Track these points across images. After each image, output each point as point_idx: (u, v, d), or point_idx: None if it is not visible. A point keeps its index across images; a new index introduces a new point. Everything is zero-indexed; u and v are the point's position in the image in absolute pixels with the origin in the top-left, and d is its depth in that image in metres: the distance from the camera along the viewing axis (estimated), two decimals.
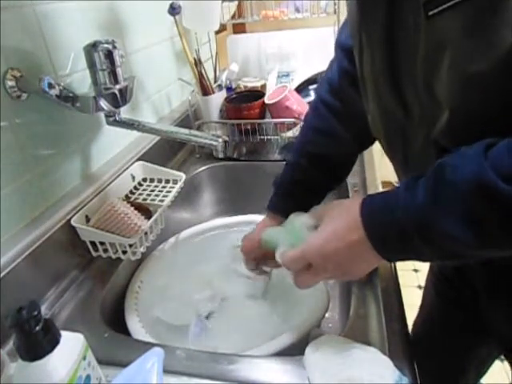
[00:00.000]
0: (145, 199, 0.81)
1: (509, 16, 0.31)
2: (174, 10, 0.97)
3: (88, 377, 0.41)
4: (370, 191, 0.84)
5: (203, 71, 1.09)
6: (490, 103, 0.36)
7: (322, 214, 0.47)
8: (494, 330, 0.64)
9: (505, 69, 0.33)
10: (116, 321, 0.64)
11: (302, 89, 1.20)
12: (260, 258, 0.64)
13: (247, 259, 0.67)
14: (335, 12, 1.15)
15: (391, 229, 0.38)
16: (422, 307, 0.90)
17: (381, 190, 0.88)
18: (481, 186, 0.33)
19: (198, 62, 1.08)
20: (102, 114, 0.74)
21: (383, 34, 0.42)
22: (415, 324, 0.91)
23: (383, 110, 0.49)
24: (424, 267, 0.90)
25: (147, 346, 0.51)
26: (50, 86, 0.60)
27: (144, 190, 0.84)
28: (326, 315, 0.62)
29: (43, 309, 0.62)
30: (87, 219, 0.69)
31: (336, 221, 0.44)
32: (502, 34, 0.32)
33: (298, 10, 1.27)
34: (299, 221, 0.50)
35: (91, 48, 0.63)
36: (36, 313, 0.36)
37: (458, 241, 0.35)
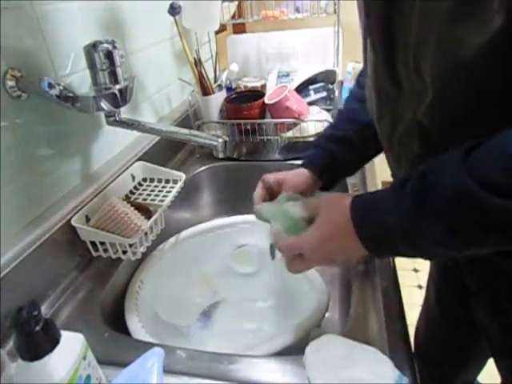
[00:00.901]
0: (145, 199, 0.81)
1: (494, 3, 0.32)
2: (174, 10, 0.97)
3: (88, 377, 0.41)
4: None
5: (203, 71, 1.09)
6: (472, 87, 0.37)
7: (317, 208, 0.49)
8: (482, 326, 0.65)
9: (488, 55, 0.34)
10: (116, 321, 0.64)
11: (301, 89, 1.20)
12: (270, 193, 0.64)
13: (260, 189, 0.65)
14: (335, 12, 1.15)
15: (379, 231, 0.41)
16: (424, 304, 0.91)
17: None
18: (461, 195, 0.34)
19: (198, 62, 1.08)
20: (102, 114, 0.74)
21: (382, 12, 0.44)
22: (419, 320, 0.92)
23: (378, 87, 0.51)
24: (424, 267, 0.91)
25: (147, 345, 0.51)
26: (50, 85, 0.60)
27: (144, 190, 0.84)
28: (326, 315, 0.62)
29: (43, 309, 0.62)
30: (87, 219, 0.69)
31: (331, 220, 0.46)
32: (487, 21, 0.33)
33: (298, 10, 1.26)
34: (296, 211, 0.51)
35: (91, 48, 0.63)
36: (36, 313, 0.36)
37: (440, 245, 0.37)
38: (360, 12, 0.50)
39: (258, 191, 0.64)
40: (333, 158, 0.66)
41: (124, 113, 0.73)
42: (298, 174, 0.66)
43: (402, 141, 0.50)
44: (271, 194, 0.64)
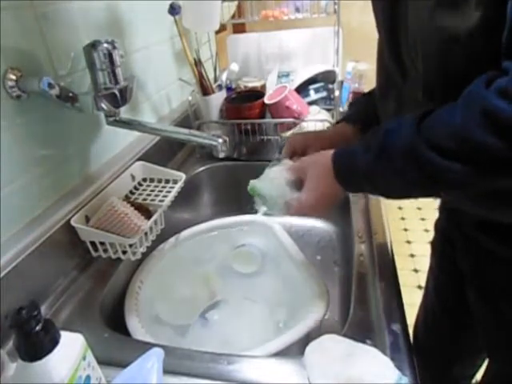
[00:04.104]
0: (145, 199, 0.81)
1: None
2: (173, 10, 0.97)
3: (88, 377, 0.41)
4: None
5: (203, 71, 1.09)
6: (451, 73, 0.43)
7: (303, 169, 0.56)
8: (476, 316, 0.68)
9: (467, 45, 0.40)
10: (116, 321, 0.64)
11: (301, 89, 1.20)
12: (298, 150, 0.68)
13: (288, 146, 0.70)
14: (335, 12, 1.15)
15: (350, 172, 0.51)
16: (423, 295, 0.93)
17: None
18: (409, 151, 0.43)
19: (197, 62, 1.08)
20: (101, 114, 0.74)
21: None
22: (418, 310, 0.94)
23: (386, 73, 0.57)
24: (424, 267, 0.91)
25: (147, 346, 0.51)
26: (50, 85, 0.60)
27: (144, 190, 0.84)
28: (326, 315, 0.62)
29: (43, 309, 0.62)
30: (87, 219, 0.69)
31: (319, 176, 0.54)
32: (467, 14, 0.38)
33: (298, 10, 1.26)
34: (284, 177, 0.58)
35: (91, 48, 0.63)
36: (36, 313, 0.36)
37: (392, 186, 0.48)
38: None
39: (283, 154, 0.69)
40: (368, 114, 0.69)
41: (124, 113, 0.73)
42: (334, 133, 0.71)
43: None
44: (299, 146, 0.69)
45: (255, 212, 0.62)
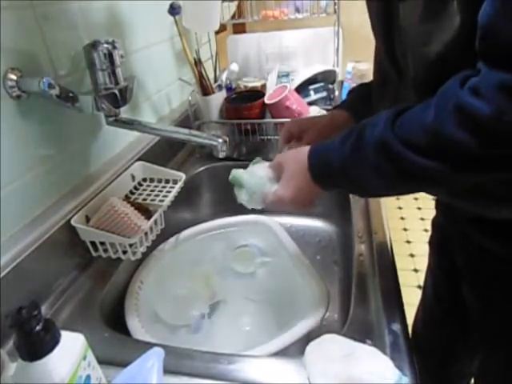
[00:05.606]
0: (145, 199, 0.81)
1: (455, 4, 0.38)
2: (173, 10, 0.97)
3: (88, 377, 0.41)
4: None
5: (203, 71, 1.09)
6: (437, 78, 0.43)
7: (280, 165, 0.57)
8: (471, 312, 0.68)
9: (454, 50, 0.41)
10: (116, 321, 0.64)
11: (301, 89, 1.20)
12: (295, 135, 0.71)
13: (285, 131, 0.73)
14: (335, 12, 1.15)
15: (325, 167, 0.51)
16: (422, 294, 0.93)
17: None
18: (383, 147, 0.44)
19: (197, 62, 1.08)
20: (101, 114, 0.74)
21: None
22: (417, 309, 0.94)
23: (382, 70, 0.58)
24: (424, 267, 0.91)
25: (147, 345, 0.51)
26: (50, 86, 0.60)
27: (144, 190, 0.84)
28: (326, 315, 0.62)
29: (43, 309, 0.62)
30: (87, 219, 0.69)
31: (294, 171, 0.55)
32: (451, 20, 0.39)
33: (298, 10, 1.26)
34: (264, 171, 0.60)
35: (91, 48, 0.63)
36: (36, 313, 0.36)
37: (368, 181, 0.47)
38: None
39: (279, 142, 0.72)
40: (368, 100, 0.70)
41: (124, 113, 0.73)
42: (330, 119, 0.72)
43: None
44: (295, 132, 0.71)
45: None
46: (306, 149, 0.54)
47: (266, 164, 0.62)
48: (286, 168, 0.56)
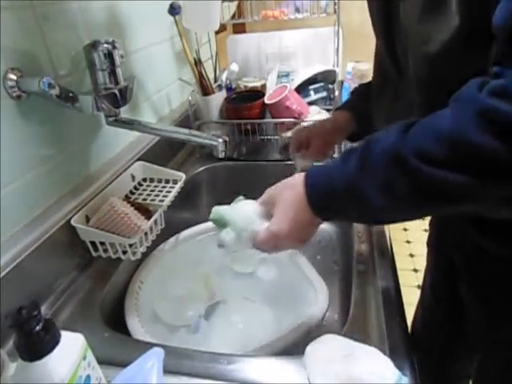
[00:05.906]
0: (145, 199, 0.81)
1: (454, 3, 0.38)
2: (173, 10, 0.97)
3: (88, 377, 0.41)
4: None
5: (203, 71, 1.09)
6: (435, 76, 0.44)
7: (271, 198, 0.51)
8: (469, 312, 0.69)
9: (453, 50, 0.41)
10: (116, 321, 0.64)
11: (301, 89, 1.20)
12: (303, 143, 0.70)
13: (294, 140, 0.73)
14: (335, 12, 1.15)
15: (327, 189, 0.45)
16: (420, 293, 0.93)
17: None
18: (396, 159, 0.39)
19: (197, 62, 1.08)
20: (102, 114, 0.74)
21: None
22: (416, 308, 0.94)
23: (382, 69, 0.58)
24: (424, 267, 0.91)
25: (147, 345, 0.51)
26: (50, 86, 0.60)
27: (144, 190, 0.84)
28: (326, 315, 0.62)
29: (43, 309, 0.62)
30: (87, 219, 0.69)
31: (286, 201, 0.49)
32: (449, 20, 0.39)
33: (298, 10, 1.26)
34: (253, 206, 0.52)
35: (91, 48, 0.63)
36: (36, 313, 0.36)
37: (377, 203, 0.41)
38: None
39: (291, 151, 0.71)
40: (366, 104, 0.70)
41: (124, 113, 0.73)
42: (334, 121, 0.72)
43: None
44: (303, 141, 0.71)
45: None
46: (300, 174, 0.49)
47: (253, 201, 0.54)
48: (279, 199, 0.49)
